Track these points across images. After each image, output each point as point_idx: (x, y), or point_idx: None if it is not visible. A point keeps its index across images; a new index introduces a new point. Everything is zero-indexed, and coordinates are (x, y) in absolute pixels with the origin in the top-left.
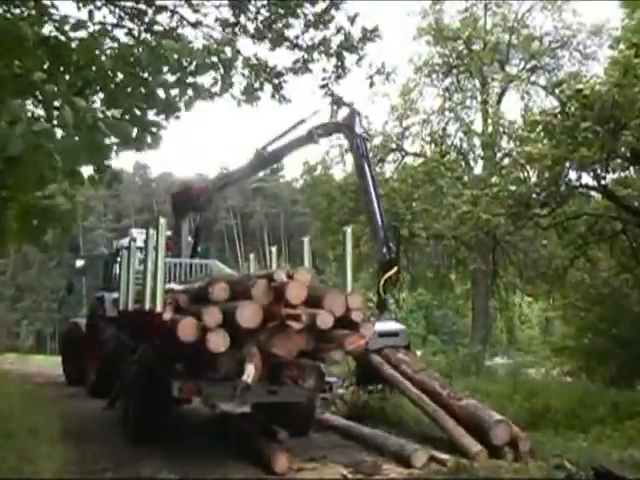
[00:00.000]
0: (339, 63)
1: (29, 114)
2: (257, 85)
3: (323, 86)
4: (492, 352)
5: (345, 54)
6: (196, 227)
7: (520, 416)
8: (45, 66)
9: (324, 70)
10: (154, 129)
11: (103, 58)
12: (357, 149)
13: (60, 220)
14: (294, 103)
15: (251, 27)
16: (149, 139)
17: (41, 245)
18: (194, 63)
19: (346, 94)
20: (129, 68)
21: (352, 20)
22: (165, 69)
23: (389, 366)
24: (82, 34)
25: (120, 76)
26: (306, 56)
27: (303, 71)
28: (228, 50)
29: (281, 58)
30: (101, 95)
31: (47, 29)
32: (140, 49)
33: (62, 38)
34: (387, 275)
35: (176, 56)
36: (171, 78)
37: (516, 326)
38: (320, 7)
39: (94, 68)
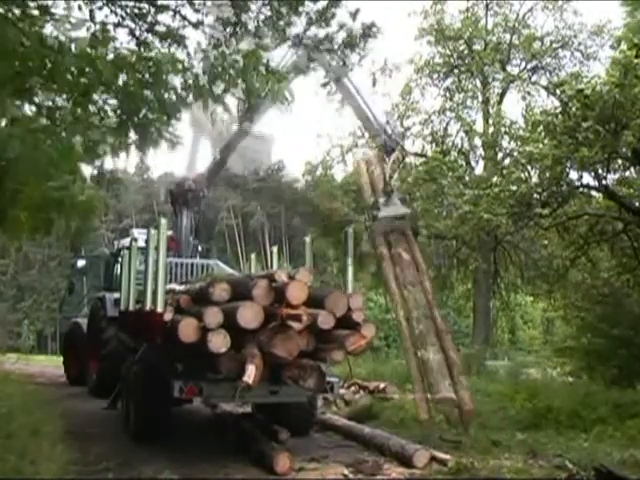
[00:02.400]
0: (341, 61)
1: (27, 111)
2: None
3: (324, 84)
4: (492, 353)
5: (347, 52)
6: (196, 225)
7: (522, 416)
8: (45, 67)
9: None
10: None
11: (103, 61)
12: (329, 66)
13: (77, 210)
14: (296, 102)
15: (252, 26)
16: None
17: (51, 235)
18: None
19: None
20: (132, 74)
21: (354, 16)
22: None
23: (390, 267)
24: (81, 33)
25: (120, 82)
26: (308, 54)
27: (305, 70)
28: (238, 57)
29: (281, 57)
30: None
31: (48, 30)
32: (140, 57)
33: (62, 38)
34: (392, 158)
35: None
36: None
37: (517, 326)
38: (321, 4)
39: (94, 74)
